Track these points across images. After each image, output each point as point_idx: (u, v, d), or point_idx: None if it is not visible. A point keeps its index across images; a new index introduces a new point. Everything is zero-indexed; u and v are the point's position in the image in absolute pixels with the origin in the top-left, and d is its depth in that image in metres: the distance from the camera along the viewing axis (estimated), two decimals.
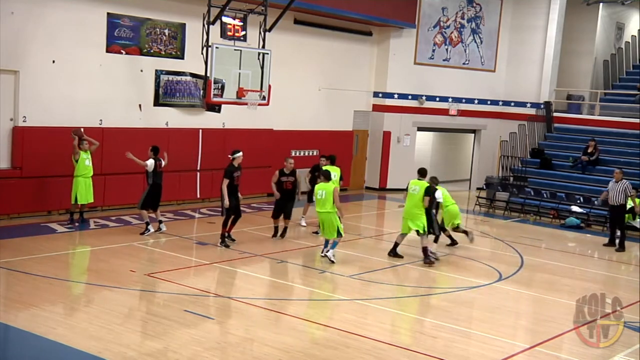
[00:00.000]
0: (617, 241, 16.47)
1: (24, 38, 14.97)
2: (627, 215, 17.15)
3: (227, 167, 13.79)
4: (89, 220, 15.23)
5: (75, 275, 12.05)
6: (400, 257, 13.63)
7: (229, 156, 14.02)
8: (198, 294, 10.67)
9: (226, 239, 13.84)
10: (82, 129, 15.14)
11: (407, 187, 13.58)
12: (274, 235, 14.75)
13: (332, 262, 12.88)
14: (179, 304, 10.08)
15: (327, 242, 13.20)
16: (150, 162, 14.38)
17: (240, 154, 14.03)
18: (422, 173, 13.65)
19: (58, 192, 15.36)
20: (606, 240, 16.86)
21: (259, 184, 18.37)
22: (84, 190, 14.80)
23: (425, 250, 13.33)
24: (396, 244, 13.77)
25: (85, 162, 14.80)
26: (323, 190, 12.99)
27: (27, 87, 15.15)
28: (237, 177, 13.86)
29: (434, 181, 14.03)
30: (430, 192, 13.29)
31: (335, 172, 15.38)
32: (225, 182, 13.58)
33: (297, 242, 14.71)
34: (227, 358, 8.34)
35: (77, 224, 14.82)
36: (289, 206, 14.77)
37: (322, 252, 13.27)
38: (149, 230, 14.28)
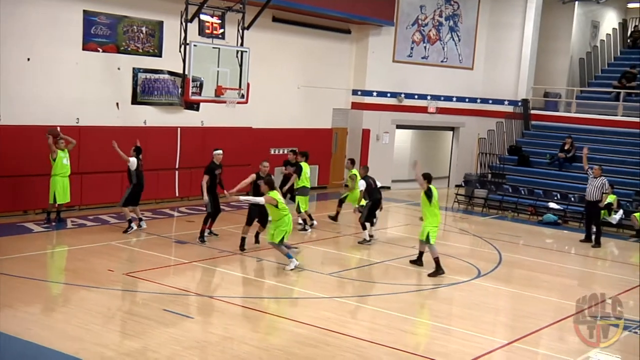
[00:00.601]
0: (593, 237, 16.65)
1: None
2: (602, 211, 17.37)
3: (208, 165, 13.97)
4: (66, 220, 15.08)
5: (53, 275, 11.93)
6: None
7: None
8: (177, 293, 10.61)
9: (206, 236, 13.81)
10: (58, 128, 14.98)
11: (433, 196, 12.67)
12: (242, 247, 13.40)
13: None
14: (158, 303, 10.02)
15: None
16: (133, 160, 14.30)
17: (220, 151, 14.12)
18: (431, 178, 12.84)
19: (34, 192, 15.19)
20: (583, 236, 17.04)
21: (238, 182, 18.24)
22: (61, 190, 14.66)
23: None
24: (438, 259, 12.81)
25: (62, 160, 14.65)
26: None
27: (2, 85, 14.94)
28: (218, 174, 13.90)
29: (366, 170, 15.31)
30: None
31: (308, 169, 16.08)
32: (205, 178, 13.66)
33: None
34: (207, 357, 8.31)
35: (54, 224, 14.67)
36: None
37: (290, 267, 12.27)
38: (132, 228, 14.20)
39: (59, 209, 14.91)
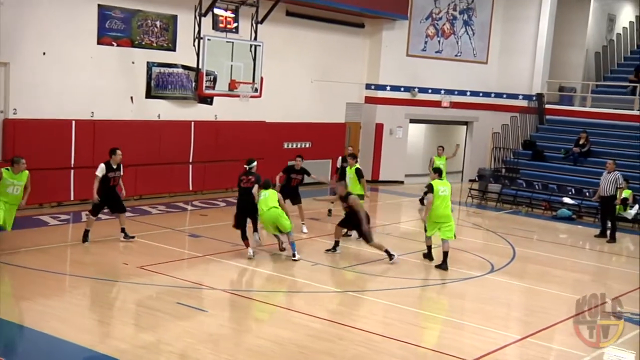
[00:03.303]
0: (608, 232, 16.56)
1: (15, 29, 14.86)
2: (617, 206, 17.25)
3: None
4: (81, 213, 15.17)
5: (68, 268, 12.02)
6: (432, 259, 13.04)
7: None
8: (191, 287, 10.67)
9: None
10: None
11: (432, 190, 12.55)
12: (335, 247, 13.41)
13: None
14: (172, 297, 10.08)
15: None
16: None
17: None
18: (440, 172, 13.09)
19: (50, 185, 15.29)
20: (597, 231, 16.95)
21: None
22: (5, 214, 11.72)
23: (446, 254, 12.70)
24: (430, 247, 13.12)
25: (8, 188, 11.65)
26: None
27: (18, 79, 15.06)
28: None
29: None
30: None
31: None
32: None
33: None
34: (220, 350, 8.35)
35: None
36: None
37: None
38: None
39: None
